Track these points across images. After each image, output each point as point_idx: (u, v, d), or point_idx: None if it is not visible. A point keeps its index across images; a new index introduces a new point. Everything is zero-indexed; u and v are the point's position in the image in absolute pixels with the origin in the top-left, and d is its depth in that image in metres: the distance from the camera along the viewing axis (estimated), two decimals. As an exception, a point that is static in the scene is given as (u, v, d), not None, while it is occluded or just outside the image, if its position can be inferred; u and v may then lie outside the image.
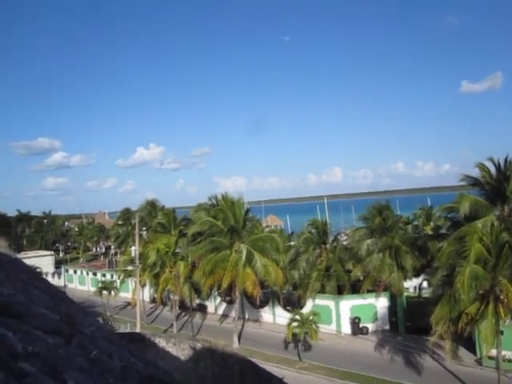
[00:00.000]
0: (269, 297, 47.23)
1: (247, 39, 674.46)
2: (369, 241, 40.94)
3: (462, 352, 30.87)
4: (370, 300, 41.93)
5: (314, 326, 34.97)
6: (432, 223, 51.71)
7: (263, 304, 47.62)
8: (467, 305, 24.83)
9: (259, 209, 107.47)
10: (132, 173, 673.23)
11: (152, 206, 60.74)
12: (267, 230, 55.66)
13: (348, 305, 42.17)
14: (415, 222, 52.04)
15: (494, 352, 27.32)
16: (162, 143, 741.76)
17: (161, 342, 8.49)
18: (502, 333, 26.71)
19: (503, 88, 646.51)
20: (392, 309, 41.89)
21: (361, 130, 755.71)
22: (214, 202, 44.46)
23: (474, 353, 33.57)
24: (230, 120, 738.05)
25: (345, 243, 49.61)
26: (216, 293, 50.06)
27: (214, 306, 52.21)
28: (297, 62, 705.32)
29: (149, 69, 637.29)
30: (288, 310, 43.44)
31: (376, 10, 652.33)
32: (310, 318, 35.42)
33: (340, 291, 43.37)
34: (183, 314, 50.64)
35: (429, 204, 67.38)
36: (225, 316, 49.99)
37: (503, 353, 28.00)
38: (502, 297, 24.08)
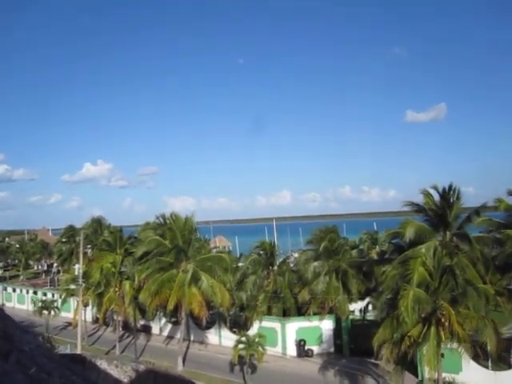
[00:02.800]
0: (215, 318, 46.78)
1: (196, 59, 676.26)
2: (315, 263, 41.39)
3: (405, 375, 31.41)
4: (315, 322, 42.18)
5: (260, 348, 34.78)
6: (377, 247, 52.80)
7: (209, 325, 47.10)
8: (410, 327, 25.30)
9: (207, 229, 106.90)
10: (78, 189, 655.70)
11: (98, 224, 59.35)
12: (215, 250, 55.33)
13: (294, 327, 42.25)
14: (361, 246, 53.05)
15: (434, 374, 27.88)
16: (110, 160, 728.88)
17: (102, 364, 8.21)
18: (442, 355, 27.37)
19: (447, 119, 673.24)
20: (337, 331, 42.26)
21: (309, 154, 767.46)
22: (162, 220, 43.97)
23: (416, 375, 34.18)
24: (180, 139, 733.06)
25: (292, 266, 49.87)
26: (161, 313, 49.18)
27: (159, 327, 51.23)
28: (248, 83, 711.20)
29: (97, 85, 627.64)
30: (234, 332, 43.10)
31: (324, 39, 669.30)
32: (257, 339, 35.23)
33: (286, 313, 43.45)
34: (127, 335, 49.38)
35: (375, 228, 68.84)
36: (170, 337, 49.08)
37: (443, 375, 28.65)
38: (443, 320, 24.67)
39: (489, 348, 25.46)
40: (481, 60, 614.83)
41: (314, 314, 42.30)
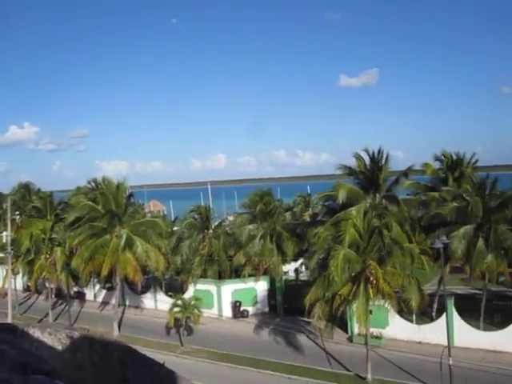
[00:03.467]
0: (150, 283, 46.67)
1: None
2: (250, 226, 41.90)
3: (336, 331, 32.82)
4: (250, 284, 42.95)
5: (196, 310, 35.16)
6: (311, 210, 53.89)
7: (145, 290, 46.98)
8: (340, 286, 26.33)
9: (141, 193, 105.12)
10: (4, 153, 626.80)
11: (26, 189, 56.90)
12: (149, 215, 54.77)
13: (229, 289, 42.87)
14: (295, 209, 53.91)
15: (363, 329, 29.25)
16: (38, 123, 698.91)
17: (35, 333, 8.06)
18: (371, 312, 28.72)
19: (379, 84, 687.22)
20: (271, 292, 43.25)
21: (243, 117, 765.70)
22: (94, 185, 42.92)
23: (346, 331, 35.73)
24: (112, 101, 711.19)
25: (227, 229, 50.23)
26: (95, 280, 48.52)
27: (93, 293, 50.56)
28: (186, 45, 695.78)
29: (23, 43, 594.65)
30: (170, 296, 43.22)
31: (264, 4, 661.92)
32: (192, 302, 35.57)
33: (222, 276, 43.97)
34: (60, 302, 48.50)
35: (308, 192, 70.07)
36: (105, 303, 48.61)
37: (371, 330, 30.13)
38: (371, 278, 25.81)
39: (413, 303, 26.85)
40: (412, 27, 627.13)
41: (249, 275, 43.02)
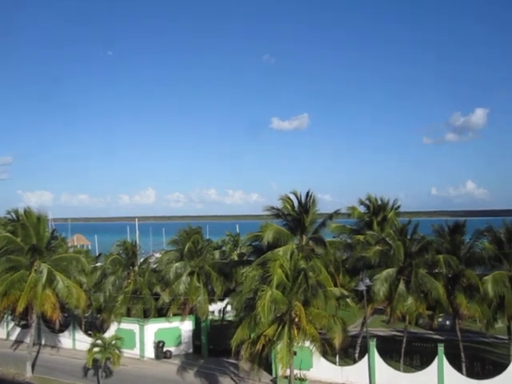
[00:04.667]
0: (69, 321, 44.64)
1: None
2: (178, 264, 41.28)
3: (261, 373, 32.55)
4: (175, 323, 42.02)
5: (116, 350, 33.82)
6: (239, 249, 53.95)
7: (63, 328, 44.82)
8: (266, 327, 26.26)
9: (65, 227, 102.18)
10: None
11: None
12: (72, 249, 52.79)
13: (153, 328, 41.69)
14: (223, 248, 53.79)
15: (287, 371, 29.17)
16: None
17: None
18: (295, 353, 28.74)
19: (309, 128, 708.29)
20: (197, 332, 42.46)
21: (176, 154, 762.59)
22: (14, 216, 41.12)
23: (271, 373, 35.49)
24: (38, 129, 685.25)
25: (154, 266, 49.21)
26: (9, 317, 45.85)
27: (6, 331, 47.71)
28: (118, 77, 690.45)
29: None
30: (90, 335, 41.46)
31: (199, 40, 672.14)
32: (113, 342, 34.20)
33: (147, 314, 42.73)
34: (-32, 340, 45.31)
35: (237, 231, 70.27)
36: (18, 342, 45.87)
37: (295, 372, 30.10)
38: (296, 319, 25.94)
39: (336, 345, 27.16)
40: (341, 73, 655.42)
41: (175, 315, 42.13)
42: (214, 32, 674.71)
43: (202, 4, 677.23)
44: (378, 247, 33.86)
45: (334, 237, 40.60)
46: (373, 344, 32.81)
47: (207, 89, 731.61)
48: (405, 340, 34.63)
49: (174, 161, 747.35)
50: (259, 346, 25.96)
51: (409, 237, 34.32)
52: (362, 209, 42.92)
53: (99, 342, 34.21)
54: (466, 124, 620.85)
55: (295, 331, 26.11)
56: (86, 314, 45.05)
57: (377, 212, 41.83)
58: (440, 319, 44.07)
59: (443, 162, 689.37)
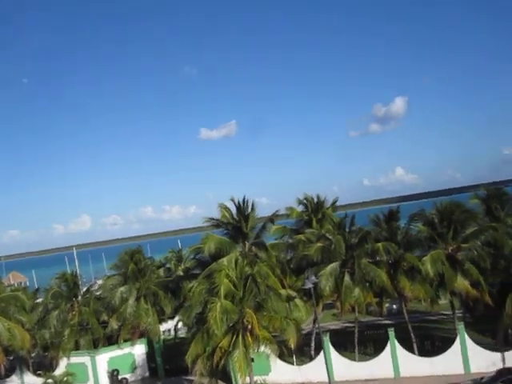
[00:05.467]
0: (15, 364, 42.59)
1: None
2: (122, 288, 40.24)
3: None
4: (127, 349, 40.95)
5: (69, 387, 32.62)
6: (183, 265, 53.36)
7: (9, 373, 42.70)
8: (220, 339, 26.08)
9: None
10: None
11: None
12: (9, 288, 50.47)
13: (105, 358, 40.45)
14: (168, 265, 53.06)
15: (247, 379, 29.08)
16: None
17: None
18: (252, 360, 28.72)
19: (238, 135, 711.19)
20: (151, 354, 41.59)
21: (107, 176, 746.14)
22: None
23: (230, 383, 35.26)
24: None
25: (98, 294, 47.84)
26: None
27: None
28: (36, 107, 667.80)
29: None
30: (39, 375, 39.73)
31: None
32: (65, 379, 32.98)
33: (97, 345, 41.40)
34: None
35: (179, 246, 69.56)
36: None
37: (255, 378, 30.06)
38: (249, 326, 25.93)
39: (292, 345, 27.40)
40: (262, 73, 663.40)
41: (126, 340, 41.05)
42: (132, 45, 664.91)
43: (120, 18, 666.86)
44: (319, 244, 34.49)
45: (275, 239, 40.94)
46: (326, 339, 33.32)
47: (134, 106, 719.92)
48: (356, 330, 35.37)
49: (106, 183, 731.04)
50: (216, 359, 25.75)
51: (347, 230, 35.22)
52: (300, 208, 43.61)
53: (50, 380, 32.92)
54: (388, 114, 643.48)
55: (249, 338, 26.10)
56: (33, 354, 43.15)
57: (315, 210, 42.66)
58: (387, 305, 45.34)
59: (371, 153, 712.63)
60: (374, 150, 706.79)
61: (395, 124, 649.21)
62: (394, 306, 47.13)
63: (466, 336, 31.91)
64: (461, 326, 32.27)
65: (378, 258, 34.36)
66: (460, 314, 36.51)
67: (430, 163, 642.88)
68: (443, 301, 37.15)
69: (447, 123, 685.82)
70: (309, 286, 27.80)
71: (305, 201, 43.43)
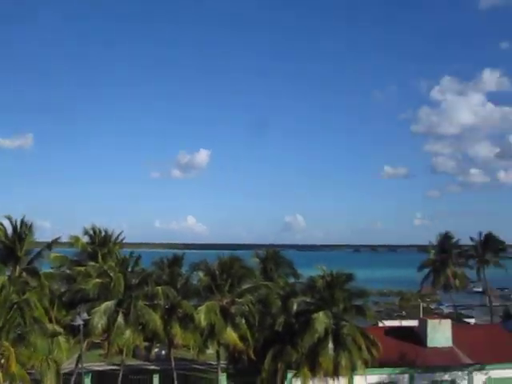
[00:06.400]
0: None
1: None
2: None
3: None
4: None
5: None
6: None
7: None
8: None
9: None
10: None
11: None
12: None
13: None
14: None
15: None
16: None
17: None
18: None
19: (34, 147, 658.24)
20: None
21: None
22: None
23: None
24: None
25: None
26: None
27: None
28: None
29: None
30: None
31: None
32: None
33: None
34: None
35: None
36: None
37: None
38: (3, 361, 23.54)
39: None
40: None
41: None
42: None
43: None
44: (98, 280, 33.24)
45: (52, 268, 38.46)
46: (88, 380, 31.81)
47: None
48: (121, 374, 34.40)
49: None
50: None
51: (130, 269, 34.68)
52: (85, 239, 41.84)
53: None
54: (191, 162, 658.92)
55: (1, 375, 23.62)
56: None
57: (101, 243, 41.28)
58: (156, 349, 45.11)
59: (168, 197, 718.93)
60: (172, 195, 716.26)
61: (196, 173, 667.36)
62: (163, 352, 47.09)
63: (226, 386, 33.17)
64: (223, 377, 33.49)
65: (155, 302, 34.25)
66: (224, 365, 37.87)
67: (220, 216, 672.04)
68: (210, 350, 38.28)
69: (241, 183, 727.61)
70: (79, 322, 26.51)
71: (92, 232, 41.85)
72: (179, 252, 38.36)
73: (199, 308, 33.06)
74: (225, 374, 34.16)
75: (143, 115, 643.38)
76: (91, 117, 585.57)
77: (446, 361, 36.24)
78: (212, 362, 41.40)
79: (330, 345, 32.02)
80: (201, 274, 35.78)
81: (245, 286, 35.50)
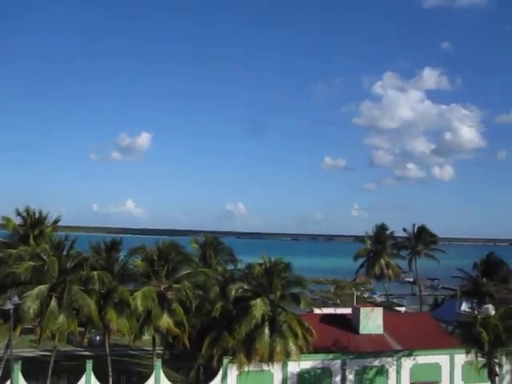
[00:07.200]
0: None
1: None
2: None
3: None
4: None
5: None
6: None
7: None
8: None
9: None
10: None
11: None
12: None
13: None
14: None
15: None
16: None
17: None
18: None
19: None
20: None
21: None
22: None
23: None
24: None
25: None
26: None
27: None
28: None
29: None
30: None
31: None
32: None
33: None
34: None
35: None
36: None
37: None
38: None
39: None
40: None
41: None
42: None
43: None
44: (30, 263, 32.11)
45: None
46: (17, 367, 30.74)
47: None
48: (53, 360, 33.48)
49: None
50: None
51: (65, 253, 33.72)
52: (18, 220, 40.41)
53: None
54: (132, 145, 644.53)
55: None
56: None
57: (34, 225, 40.07)
58: (91, 335, 44.34)
59: (107, 180, 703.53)
60: (111, 178, 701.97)
61: (137, 157, 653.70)
62: (98, 338, 46.34)
63: (162, 373, 32.97)
64: (158, 363, 33.25)
65: (91, 287, 33.46)
66: (160, 351, 37.66)
67: (160, 201, 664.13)
68: (146, 336, 37.95)
69: (182, 169, 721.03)
70: (9, 306, 25.60)
71: (24, 213, 40.43)
72: (117, 236, 37.55)
73: (135, 293, 32.62)
74: (160, 359, 33.89)
75: (84, 95, 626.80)
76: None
77: (377, 347, 37.53)
78: (148, 348, 41.14)
79: (267, 331, 32.56)
80: (138, 259, 35.31)
81: (183, 272, 35.32)
